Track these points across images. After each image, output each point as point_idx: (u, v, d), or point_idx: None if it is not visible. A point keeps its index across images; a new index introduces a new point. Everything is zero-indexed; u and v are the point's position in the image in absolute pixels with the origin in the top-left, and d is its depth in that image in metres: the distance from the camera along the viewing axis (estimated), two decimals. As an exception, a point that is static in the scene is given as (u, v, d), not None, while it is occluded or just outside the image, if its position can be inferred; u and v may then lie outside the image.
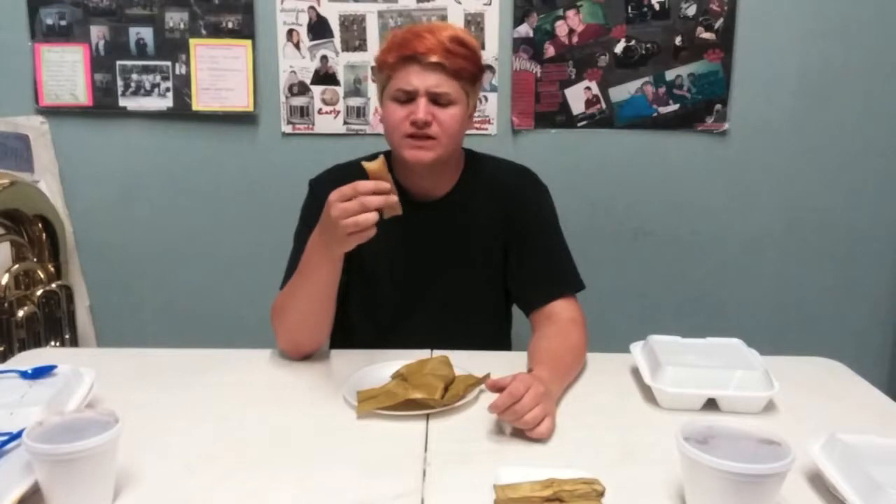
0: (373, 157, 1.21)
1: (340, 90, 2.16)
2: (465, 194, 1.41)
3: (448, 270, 1.42)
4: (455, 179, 1.41)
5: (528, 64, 2.14)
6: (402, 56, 1.26)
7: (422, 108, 1.26)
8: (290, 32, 2.13)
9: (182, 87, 2.15)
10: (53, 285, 2.08)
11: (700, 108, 2.16)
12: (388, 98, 1.31)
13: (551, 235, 1.43)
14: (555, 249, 1.43)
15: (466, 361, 1.24)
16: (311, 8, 2.11)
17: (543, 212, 1.44)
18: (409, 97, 1.28)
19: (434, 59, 1.25)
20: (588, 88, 2.15)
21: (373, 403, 1.10)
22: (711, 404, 1.13)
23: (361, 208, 1.09)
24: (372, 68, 1.37)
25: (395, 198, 1.12)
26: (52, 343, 2.07)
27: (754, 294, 2.27)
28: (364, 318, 1.46)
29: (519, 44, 2.13)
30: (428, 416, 1.10)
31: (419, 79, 1.26)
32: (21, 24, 2.11)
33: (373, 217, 1.10)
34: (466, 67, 1.29)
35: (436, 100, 1.27)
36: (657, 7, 2.10)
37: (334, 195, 1.12)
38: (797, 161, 2.20)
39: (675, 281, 2.27)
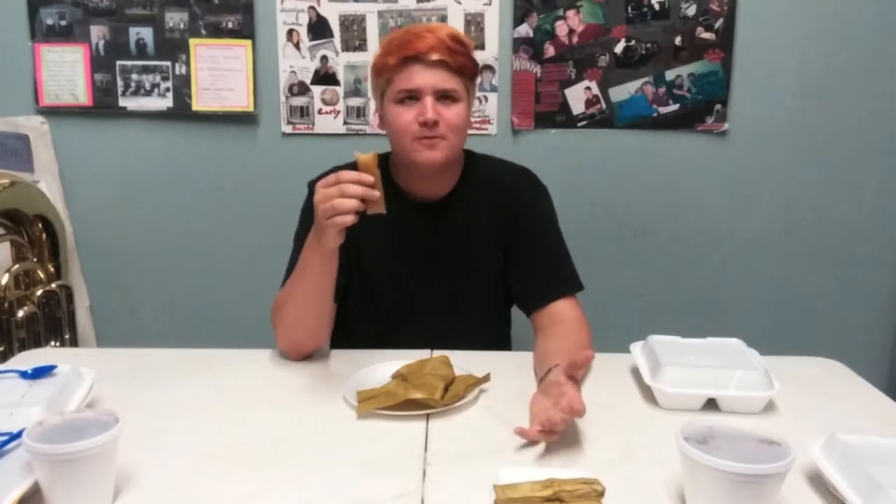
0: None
1: (340, 90, 2.16)
2: (464, 195, 1.41)
3: (448, 271, 1.42)
4: (455, 180, 1.41)
5: (528, 64, 2.14)
6: (404, 56, 1.26)
7: (429, 108, 1.26)
8: (290, 32, 2.13)
9: (182, 87, 2.15)
10: (53, 285, 2.08)
11: (700, 108, 2.16)
12: (390, 102, 1.30)
13: (551, 236, 1.43)
14: (555, 250, 1.43)
15: (466, 361, 1.24)
16: (311, 8, 2.11)
17: (543, 212, 1.44)
18: (413, 97, 1.27)
19: (437, 56, 1.25)
20: (588, 88, 2.15)
21: (373, 403, 1.10)
22: (711, 404, 1.13)
23: (340, 193, 1.12)
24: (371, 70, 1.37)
25: (377, 193, 1.13)
26: (52, 343, 2.07)
27: (754, 294, 2.27)
28: (364, 318, 1.46)
29: (519, 44, 2.13)
30: (428, 416, 1.10)
31: (423, 77, 1.26)
32: (21, 24, 2.11)
33: (350, 203, 1.11)
34: (467, 64, 1.30)
35: (441, 98, 1.28)
36: (657, 7, 2.10)
37: (320, 183, 1.15)
38: (797, 161, 2.20)
39: (675, 281, 2.27)
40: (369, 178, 1.13)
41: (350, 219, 1.13)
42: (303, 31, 2.13)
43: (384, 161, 1.39)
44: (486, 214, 1.41)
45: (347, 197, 1.12)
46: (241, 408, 1.15)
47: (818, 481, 0.93)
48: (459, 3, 2.10)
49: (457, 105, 1.29)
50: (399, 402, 1.10)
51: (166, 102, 2.16)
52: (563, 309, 1.36)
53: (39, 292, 2.04)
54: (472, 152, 1.46)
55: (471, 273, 1.43)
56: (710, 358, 1.20)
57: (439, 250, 1.41)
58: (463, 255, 1.42)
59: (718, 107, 2.15)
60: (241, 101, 2.15)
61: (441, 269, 1.42)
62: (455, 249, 1.42)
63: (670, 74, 2.14)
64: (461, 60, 1.28)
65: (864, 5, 2.10)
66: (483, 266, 1.43)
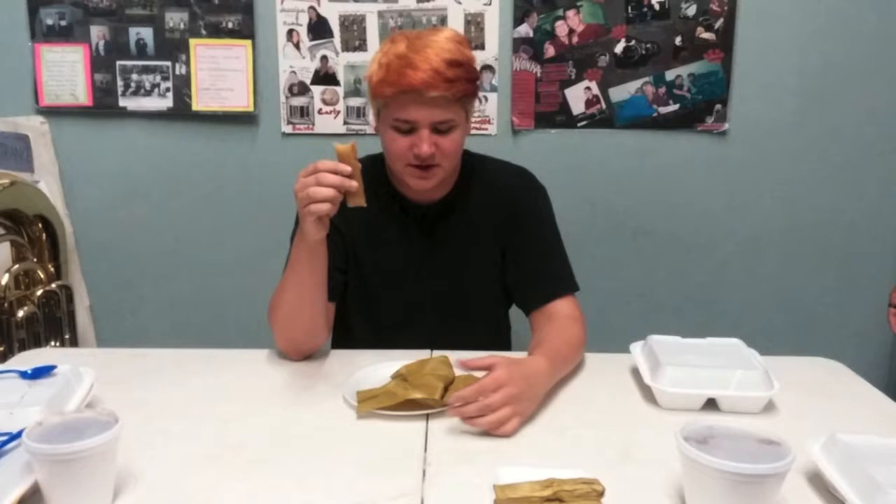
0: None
1: (340, 90, 2.16)
2: (462, 195, 1.41)
3: (446, 271, 1.42)
4: (453, 181, 1.41)
5: (528, 64, 2.14)
6: (400, 90, 1.22)
7: (425, 143, 1.24)
8: (290, 32, 2.13)
9: (182, 87, 2.15)
10: (53, 285, 2.08)
11: (700, 108, 2.16)
12: (386, 124, 1.28)
13: (548, 236, 1.43)
14: (552, 250, 1.42)
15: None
16: (311, 8, 2.11)
17: (540, 212, 1.44)
18: (410, 127, 1.25)
19: (434, 93, 1.21)
20: (588, 88, 2.15)
21: (373, 403, 1.10)
22: (711, 404, 1.13)
23: (316, 182, 1.12)
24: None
25: (354, 183, 1.14)
26: (52, 343, 2.07)
27: (754, 294, 2.27)
28: (363, 318, 1.46)
29: (519, 44, 2.13)
30: (428, 416, 1.10)
31: (419, 112, 1.23)
32: (21, 24, 2.11)
33: (324, 192, 1.12)
34: (467, 89, 1.26)
35: (437, 129, 1.26)
36: (657, 7, 2.10)
37: (300, 173, 1.16)
38: (797, 161, 2.20)
39: (675, 281, 2.27)
40: (345, 168, 1.14)
41: (325, 207, 1.13)
42: (303, 31, 2.13)
43: (381, 163, 1.39)
44: (485, 214, 1.41)
45: (323, 186, 1.12)
46: (240, 408, 1.15)
47: (818, 481, 0.93)
48: (459, 3, 2.10)
49: (453, 132, 1.27)
50: (399, 402, 1.10)
51: (166, 102, 2.16)
52: (559, 308, 1.36)
53: (39, 292, 2.04)
54: (470, 153, 1.45)
55: (469, 273, 1.43)
56: (710, 358, 1.20)
57: (437, 250, 1.41)
58: (461, 255, 1.42)
59: (718, 107, 2.15)
60: (241, 101, 2.15)
61: (439, 268, 1.42)
62: (453, 249, 1.42)
63: (670, 74, 2.14)
64: (459, 89, 1.24)
65: (864, 5, 2.10)
66: (481, 266, 1.43)
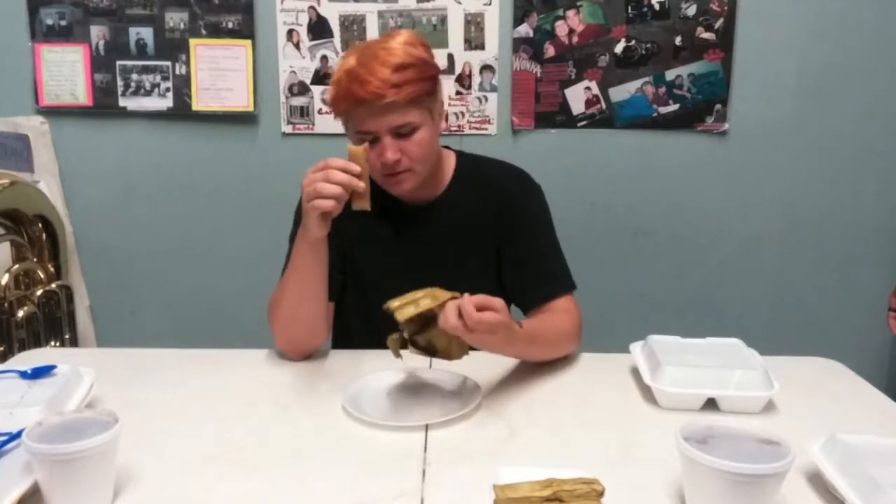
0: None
1: (340, 90, 2.15)
2: (456, 196, 1.41)
3: (442, 271, 1.41)
4: (446, 182, 1.40)
5: (528, 64, 2.14)
6: (352, 105, 1.23)
7: (388, 150, 1.24)
8: (290, 32, 2.13)
9: (182, 87, 2.15)
10: (53, 285, 2.08)
11: (700, 108, 2.16)
12: (352, 137, 1.29)
13: (542, 236, 1.43)
14: (547, 250, 1.42)
15: (466, 361, 1.23)
16: (311, 8, 2.11)
17: (536, 213, 1.44)
18: (372, 137, 1.26)
19: (384, 101, 1.20)
20: (588, 88, 2.15)
21: (412, 309, 1.09)
22: (711, 404, 1.13)
23: (325, 178, 1.13)
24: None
25: (362, 184, 1.15)
26: (52, 343, 2.07)
27: (754, 294, 2.27)
28: (361, 319, 1.45)
29: (519, 44, 2.13)
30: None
31: (375, 123, 1.23)
32: (21, 24, 2.12)
33: (331, 189, 1.13)
34: (420, 90, 1.24)
35: (399, 132, 1.25)
36: (657, 7, 2.10)
37: (309, 168, 1.17)
38: (797, 161, 2.20)
39: (675, 281, 2.27)
40: (355, 168, 1.14)
41: (330, 204, 1.14)
42: (303, 31, 2.13)
43: None
44: (479, 214, 1.41)
45: (331, 183, 1.13)
46: (240, 408, 1.15)
47: (818, 481, 0.93)
48: (459, 3, 2.10)
49: (417, 133, 1.26)
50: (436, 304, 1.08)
51: (166, 102, 2.16)
52: (556, 307, 1.36)
53: (39, 292, 2.04)
54: (465, 153, 1.45)
55: (465, 273, 1.42)
56: (710, 358, 1.20)
57: (432, 250, 1.41)
58: (456, 255, 1.42)
59: (718, 107, 2.15)
60: (241, 101, 2.15)
61: (435, 268, 1.41)
62: (448, 249, 1.41)
63: (670, 74, 2.14)
64: (409, 91, 1.21)
65: (864, 5, 2.10)
66: (477, 266, 1.43)
